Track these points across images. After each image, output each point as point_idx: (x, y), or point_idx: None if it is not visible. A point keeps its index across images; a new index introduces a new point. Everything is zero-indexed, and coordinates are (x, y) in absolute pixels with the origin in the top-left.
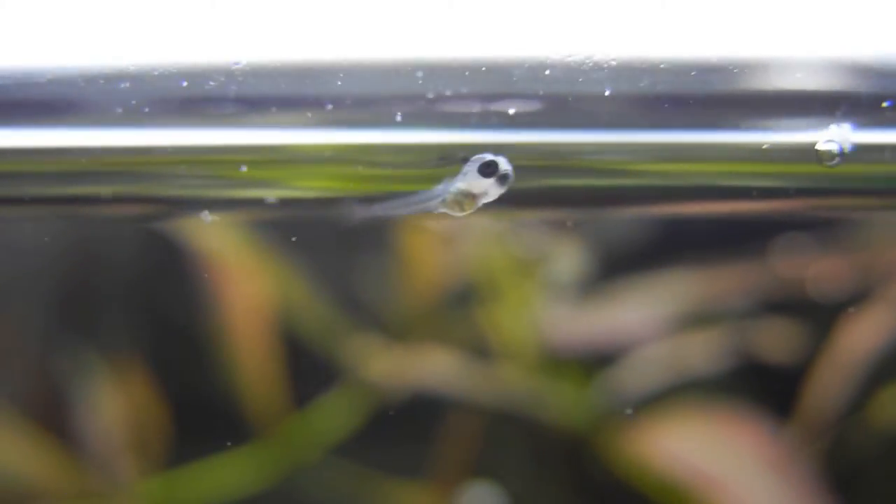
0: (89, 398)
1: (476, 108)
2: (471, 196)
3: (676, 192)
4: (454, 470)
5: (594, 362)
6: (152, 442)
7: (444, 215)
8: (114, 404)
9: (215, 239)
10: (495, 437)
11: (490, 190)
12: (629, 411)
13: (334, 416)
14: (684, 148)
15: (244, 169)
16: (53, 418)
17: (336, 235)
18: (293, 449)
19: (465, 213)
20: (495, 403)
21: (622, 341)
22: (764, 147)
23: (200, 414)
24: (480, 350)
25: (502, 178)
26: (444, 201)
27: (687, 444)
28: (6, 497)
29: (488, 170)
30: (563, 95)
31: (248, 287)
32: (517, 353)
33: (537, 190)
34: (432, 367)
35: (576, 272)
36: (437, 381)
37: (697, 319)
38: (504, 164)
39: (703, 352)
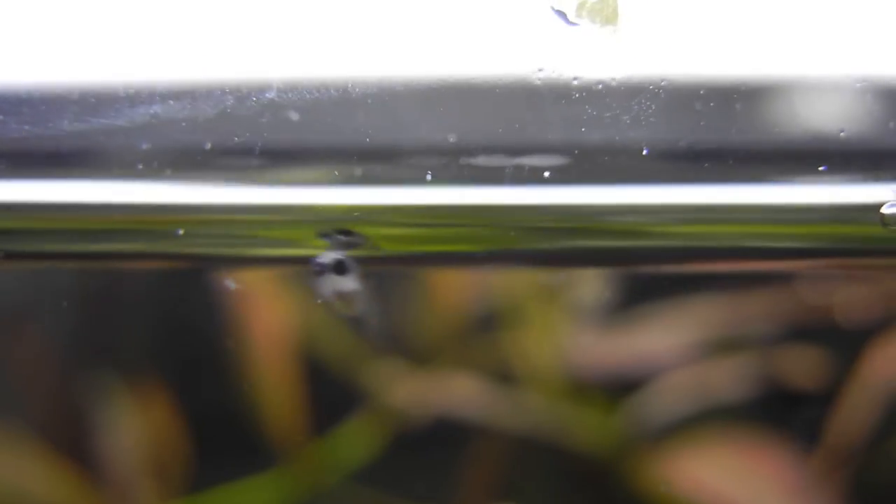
0: (110, 422)
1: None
2: (345, 296)
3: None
4: (477, 496)
5: (619, 388)
6: (173, 467)
7: None
8: (134, 429)
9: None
10: (519, 463)
11: (343, 284)
12: (653, 437)
13: (356, 442)
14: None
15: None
16: (74, 442)
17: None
18: (314, 475)
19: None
20: (519, 429)
21: (647, 367)
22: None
23: (221, 439)
24: (504, 375)
25: (340, 269)
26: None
27: (712, 471)
28: None
29: (335, 272)
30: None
31: (270, 312)
32: (541, 378)
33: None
34: (455, 393)
35: (601, 298)
36: (460, 407)
37: (723, 346)
38: (330, 258)
39: (728, 378)
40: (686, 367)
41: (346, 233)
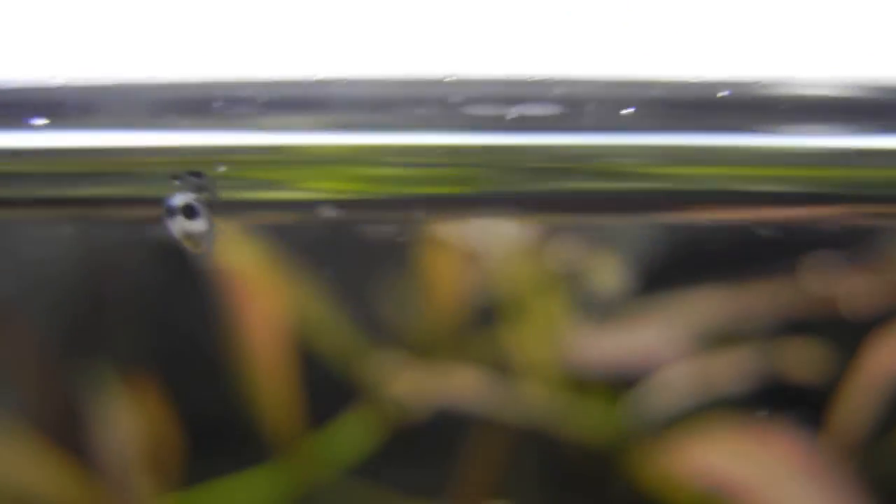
0: (104, 415)
1: (490, 111)
2: (194, 237)
3: (694, 197)
4: (476, 490)
5: (620, 381)
6: (168, 460)
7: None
8: (129, 422)
9: (232, 253)
10: (519, 457)
11: (182, 230)
12: (655, 429)
13: (353, 435)
14: (705, 150)
15: (222, 168)
16: (68, 435)
17: (356, 251)
18: (309, 469)
19: (197, 251)
20: (519, 422)
21: (648, 360)
22: (791, 150)
23: (217, 432)
24: (503, 368)
25: (189, 215)
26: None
27: (724, 458)
28: None
29: (184, 215)
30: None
31: (266, 303)
32: (541, 371)
33: (549, 194)
34: (453, 386)
35: (601, 290)
36: (458, 400)
37: (724, 338)
38: (181, 201)
39: (730, 370)
40: (687, 359)
41: (197, 174)
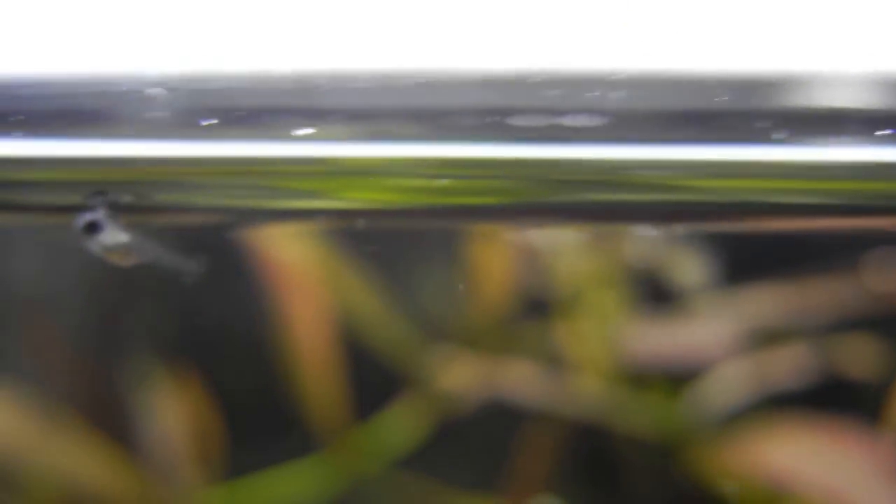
0: (152, 406)
1: (528, 122)
2: (114, 250)
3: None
4: (526, 484)
5: (678, 376)
6: (215, 451)
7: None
8: (177, 413)
9: (282, 247)
10: (572, 451)
11: (94, 246)
12: (716, 425)
13: (401, 427)
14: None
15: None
16: (117, 427)
17: (406, 245)
18: (356, 461)
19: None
20: (572, 416)
21: (706, 355)
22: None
23: (263, 424)
24: (556, 362)
25: (92, 230)
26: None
27: (786, 454)
28: (74, 502)
29: (93, 231)
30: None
31: (314, 295)
32: (597, 365)
33: (591, 205)
34: (504, 379)
35: (659, 285)
36: (509, 393)
37: (783, 334)
38: (86, 219)
39: (789, 366)
40: (746, 355)
41: (102, 192)
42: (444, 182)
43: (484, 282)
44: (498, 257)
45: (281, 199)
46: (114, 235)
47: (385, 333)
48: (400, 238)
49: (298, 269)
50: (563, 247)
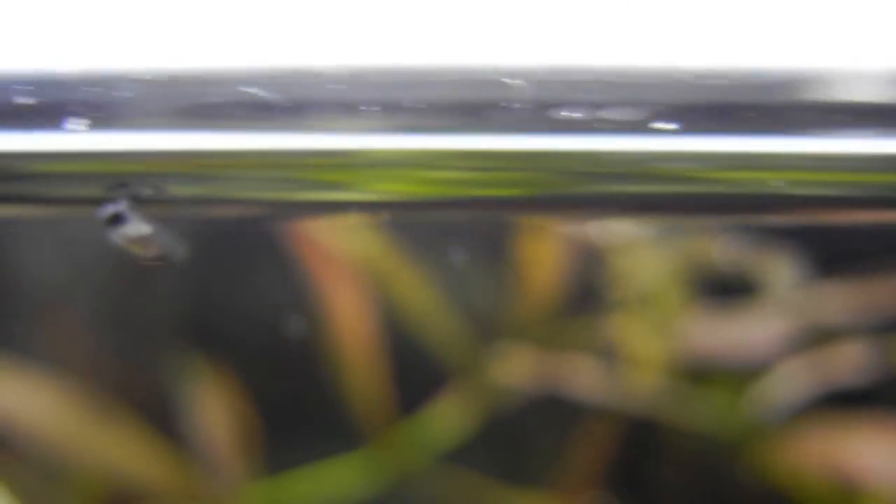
0: (196, 401)
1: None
2: (137, 242)
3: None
4: (581, 480)
5: (741, 371)
6: (259, 446)
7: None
8: (220, 407)
9: (327, 240)
10: (629, 447)
11: (121, 238)
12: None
13: (448, 422)
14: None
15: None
16: (161, 420)
17: (454, 239)
18: (403, 455)
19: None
20: (628, 410)
21: (769, 351)
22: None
23: (310, 419)
24: (611, 356)
25: (117, 223)
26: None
27: (868, 452)
28: (118, 496)
29: (116, 223)
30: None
31: (358, 289)
32: (656, 359)
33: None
34: (557, 372)
35: (723, 280)
36: (563, 387)
37: (846, 330)
38: (110, 211)
39: (852, 364)
40: (809, 351)
41: (124, 184)
42: (474, 174)
43: (535, 275)
44: (550, 251)
45: (309, 191)
46: (137, 227)
47: (433, 327)
48: (449, 230)
49: (343, 262)
50: (623, 240)
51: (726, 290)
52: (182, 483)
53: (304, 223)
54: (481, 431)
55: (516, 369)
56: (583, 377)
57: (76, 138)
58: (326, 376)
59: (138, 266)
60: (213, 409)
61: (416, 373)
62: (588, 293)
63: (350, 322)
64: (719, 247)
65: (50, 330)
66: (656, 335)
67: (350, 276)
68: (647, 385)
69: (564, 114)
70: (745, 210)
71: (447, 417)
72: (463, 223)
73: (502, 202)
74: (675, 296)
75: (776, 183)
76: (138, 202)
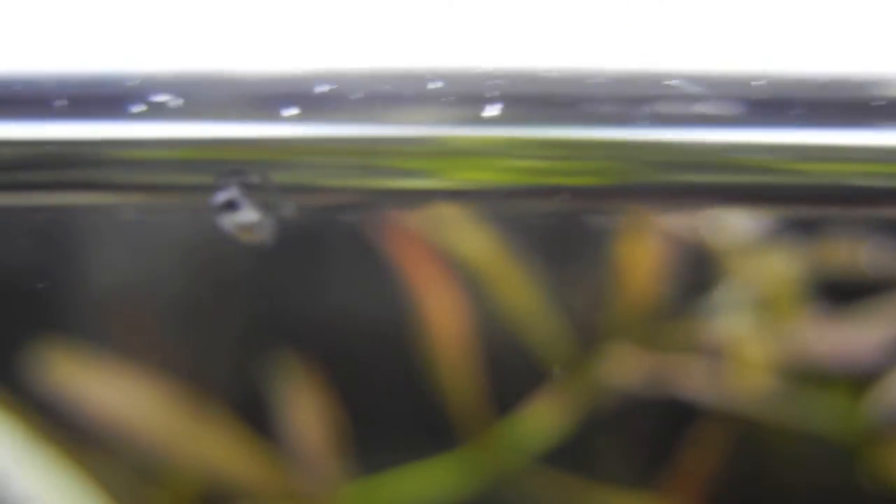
0: (292, 401)
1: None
2: (246, 228)
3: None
4: (687, 483)
5: (858, 375)
6: (355, 446)
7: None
8: (317, 407)
9: (420, 237)
10: (737, 449)
11: (233, 225)
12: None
13: (545, 422)
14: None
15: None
16: (259, 420)
17: (552, 238)
18: (499, 456)
19: (252, 241)
20: (738, 412)
21: (880, 356)
22: None
23: (404, 419)
24: (718, 356)
25: (232, 208)
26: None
27: None
28: (211, 496)
29: (229, 209)
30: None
31: (452, 286)
32: (766, 362)
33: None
34: (662, 373)
35: (836, 282)
36: (671, 388)
37: None
38: (223, 198)
39: None
40: None
41: (238, 172)
42: (554, 163)
43: (636, 274)
44: (652, 250)
45: (396, 179)
46: (248, 214)
47: (534, 326)
48: (548, 227)
49: (437, 258)
50: (737, 240)
51: (842, 292)
52: (278, 483)
53: (396, 217)
54: (579, 432)
55: (618, 369)
56: (691, 378)
57: (182, 127)
58: (421, 376)
59: (233, 263)
60: (307, 409)
61: (513, 372)
62: (695, 294)
63: (444, 319)
64: (846, 250)
65: (146, 329)
66: (769, 337)
67: (444, 273)
68: (758, 387)
69: (652, 105)
70: (840, 202)
71: (545, 418)
72: (563, 220)
73: (586, 192)
74: (791, 298)
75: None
76: (248, 190)
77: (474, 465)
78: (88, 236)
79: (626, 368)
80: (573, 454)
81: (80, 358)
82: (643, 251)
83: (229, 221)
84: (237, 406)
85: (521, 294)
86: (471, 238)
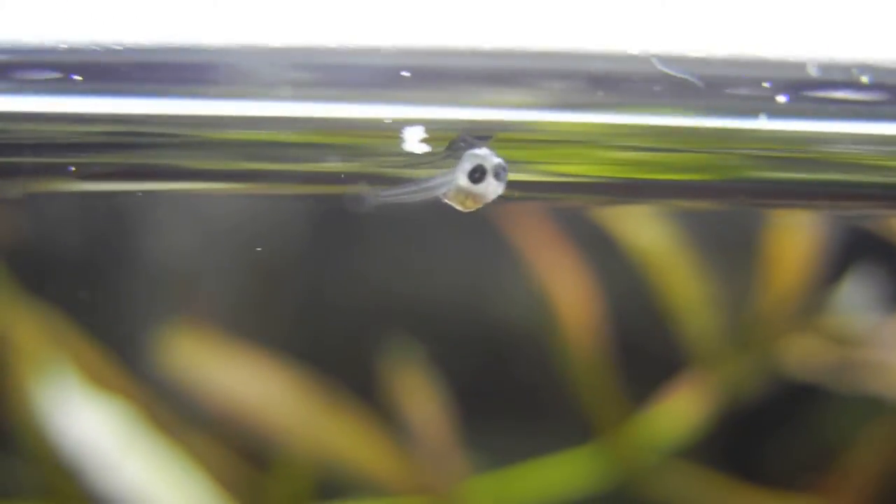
0: (418, 392)
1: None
2: (471, 196)
3: None
4: (855, 483)
5: None
6: (484, 439)
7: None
8: (442, 399)
9: (545, 227)
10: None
11: (488, 191)
12: None
13: (680, 416)
14: None
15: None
16: (383, 411)
17: (705, 231)
18: (633, 450)
19: (469, 209)
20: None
21: None
22: None
23: (538, 411)
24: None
25: (497, 177)
26: (445, 195)
27: None
28: (331, 485)
29: (475, 176)
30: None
31: (582, 276)
32: None
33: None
34: (813, 368)
35: None
36: (823, 383)
37: None
38: (491, 164)
39: None
40: None
41: (483, 138)
42: (654, 155)
43: (783, 269)
44: (800, 246)
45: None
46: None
47: (684, 319)
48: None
49: (564, 247)
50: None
51: None
52: (403, 475)
53: (524, 208)
54: (719, 428)
55: (761, 364)
56: (845, 374)
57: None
58: (557, 369)
59: (361, 252)
60: (433, 401)
61: (649, 365)
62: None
63: (574, 310)
64: None
65: (272, 316)
66: None
67: (572, 263)
68: None
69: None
70: None
71: (682, 413)
72: (710, 216)
73: (686, 187)
74: None
75: None
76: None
77: (608, 459)
78: (216, 224)
79: (769, 363)
80: (713, 450)
81: (209, 344)
82: (793, 247)
83: (482, 188)
84: (364, 396)
85: (685, 285)
86: (643, 229)
